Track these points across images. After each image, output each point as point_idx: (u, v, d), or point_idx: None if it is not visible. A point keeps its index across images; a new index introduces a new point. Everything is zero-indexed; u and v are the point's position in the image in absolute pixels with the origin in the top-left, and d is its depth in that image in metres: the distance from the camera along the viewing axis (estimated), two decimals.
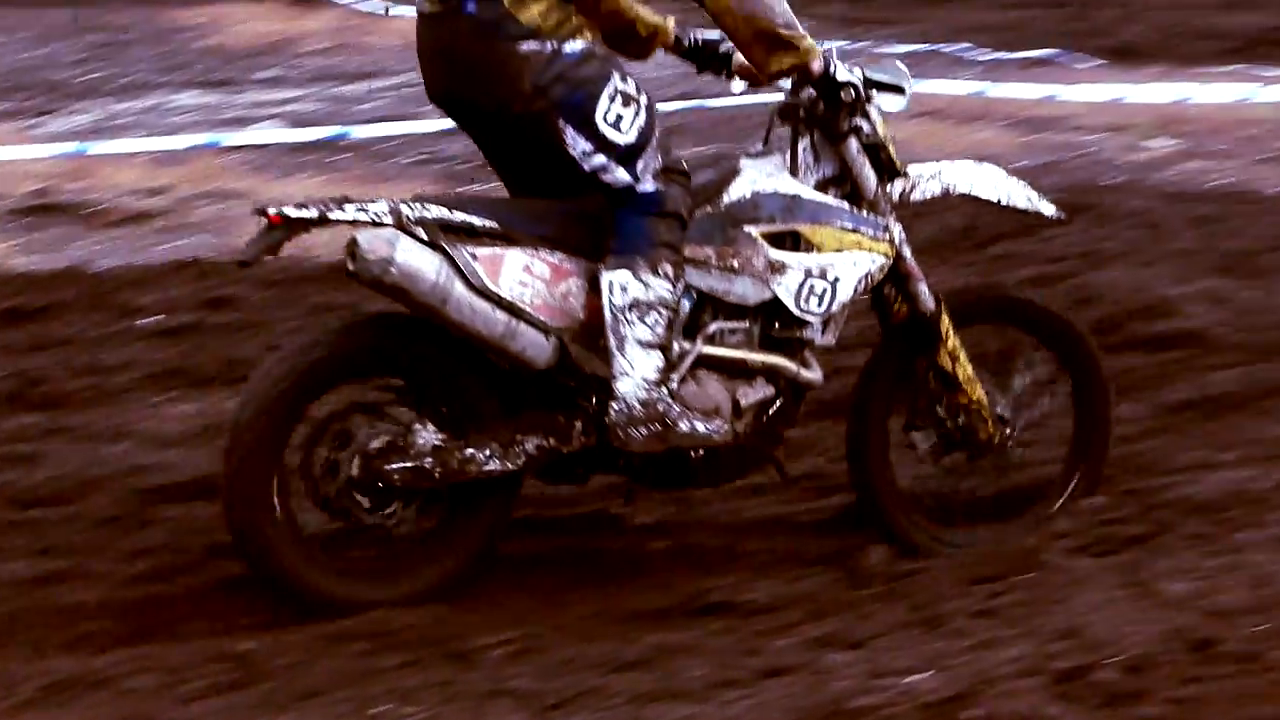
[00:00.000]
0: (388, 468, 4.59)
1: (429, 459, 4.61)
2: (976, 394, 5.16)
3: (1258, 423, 6.07)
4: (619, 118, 4.64)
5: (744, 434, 4.87)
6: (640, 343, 4.64)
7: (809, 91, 4.94)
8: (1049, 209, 5.29)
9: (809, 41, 4.81)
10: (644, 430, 4.69)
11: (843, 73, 4.89)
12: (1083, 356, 5.31)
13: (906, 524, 5.15)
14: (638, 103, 4.68)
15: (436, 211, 4.58)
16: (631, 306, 4.62)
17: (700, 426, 4.78)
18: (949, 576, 4.86)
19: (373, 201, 4.56)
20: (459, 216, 4.60)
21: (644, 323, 4.64)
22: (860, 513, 5.22)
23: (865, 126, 5.01)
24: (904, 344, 5.14)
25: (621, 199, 4.69)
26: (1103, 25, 14.63)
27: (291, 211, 4.49)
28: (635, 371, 4.65)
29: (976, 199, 5.22)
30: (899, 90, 5.03)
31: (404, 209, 4.54)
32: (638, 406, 4.66)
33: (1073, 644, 4.30)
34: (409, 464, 4.60)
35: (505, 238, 4.65)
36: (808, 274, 4.90)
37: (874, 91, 4.98)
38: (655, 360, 4.67)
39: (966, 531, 5.21)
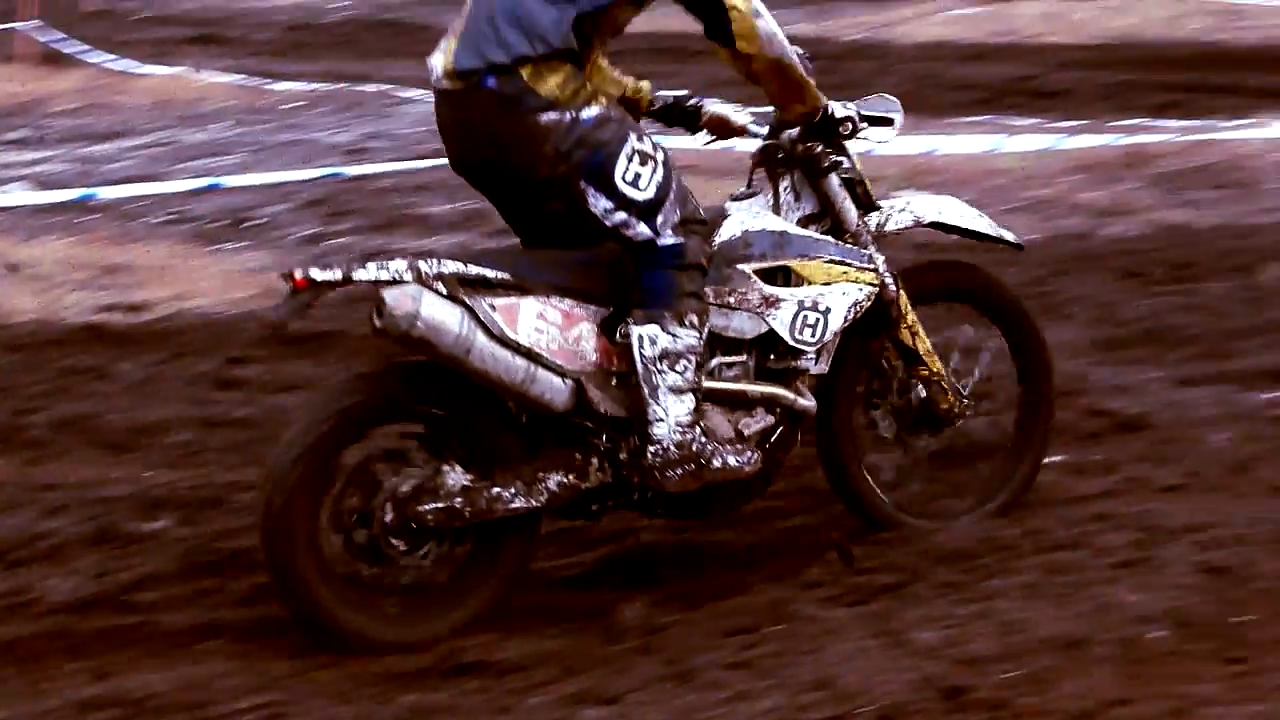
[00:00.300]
0: (420, 509, 4.84)
1: (459, 499, 4.87)
2: (936, 366, 5.54)
3: None
4: (637, 175, 4.93)
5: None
6: (672, 389, 4.95)
7: (790, 133, 5.34)
8: (1010, 236, 5.71)
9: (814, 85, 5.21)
10: (680, 470, 4.99)
11: (840, 109, 5.31)
12: (1027, 329, 5.75)
13: (883, 507, 5.53)
14: (655, 160, 4.98)
15: (453, 266, 4.83)
16: (662, 357, 4.93)
17: (732, 460, 5.09)
18: (703, 629, 4.95)
19: (391, 260, 4.81)
20: (474, 270, 4.86)
21: (674, 370, 4.95)
22: (841, 499, 5.56)
23: (845, 162, 5.40)
24: (864, 329, 5.42)
25: (644, 253, 4.98)
26: (856, 78, 15.00)
27: (317, 274, 4.74)
28: (670, 416, 4.95)
29: (944, 227, 5.60)
30: (889, 122, 5.46)
31: (422, 265, 4.79)
32: (674, 450, 4.97)
33: (825, 695, 4.42)
34: (441, 504, 4.85)
35: (518, 287, 4.92)
36: (800, 306, 5.23)
37: (865, 125, 5.38)
38: (688, 404, 4.98)
39: (943, 511, 5.64)
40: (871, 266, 5.36)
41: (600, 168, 4.91)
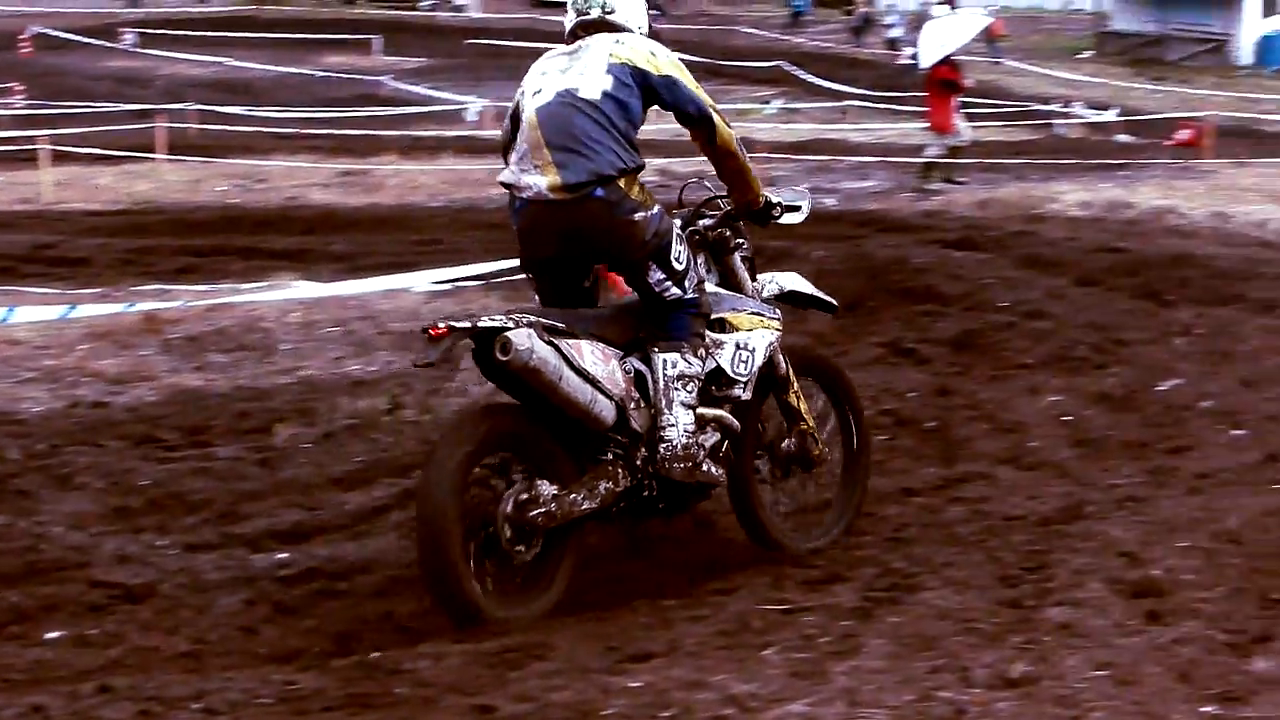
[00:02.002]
0: (531, 513, 6.50)
1: (553, 505, 6.54)
2: (810, 421, 7.53)
3: None
4: (679, 253, 6.92)
5: None
6: (683, 404, 6.89)
7: (705, 221, 7.36)
8: (831, 301, 7.89)
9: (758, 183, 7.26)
10: (682, 465, 6.85)
11: (771, 198, 7.34)
12: (851, 398, 7.79)
13: (780, 535, 7.32)
14: (684, 240, 7.01)
15: (534, 319, 6.54)
16: (678, 378, 6.88)
17: (714, 470, 6.99)
18: None
19: (496, 315, 6.54)
20: (547, 321, 6.57)
21: (685, 390, 6.90)
22: (744, 527, 7.29)
23: (745, 243, 7.45)
24: (759, 392, 7.33)
25: (673, 304, 6.95)
26: None
27: (455, 324, 6.43)
28: (679, 424, 6.87)
29: (796, 295, 7.72)
30: (797, 208, 7.46)
31: (519, 317, 6.52)
32: (680, 449, 6.85)
33: None
34: (542, 509, 6.51)
35: (571, 334, 6.64)
36: (737, 347, 7.19)
37: (781, 210, 7.36)
38: (690, 417, 6.91)
39: (816, 535, 7.43)
40: (776, 317, 7.39)
41: (664, 250, 6.86)
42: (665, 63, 6.92)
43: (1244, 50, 55.26)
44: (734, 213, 7.32)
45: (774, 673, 5.53)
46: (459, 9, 61.84)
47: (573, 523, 6.61)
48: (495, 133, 32.62)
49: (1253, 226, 17.63)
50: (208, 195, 22.24)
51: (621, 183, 6.68)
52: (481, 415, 6.68)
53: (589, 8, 7.08)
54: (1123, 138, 34.67)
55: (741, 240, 7.42)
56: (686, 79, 6.95)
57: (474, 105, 37.69)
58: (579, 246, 6.78)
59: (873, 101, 42.55)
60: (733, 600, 6.46)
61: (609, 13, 7.08)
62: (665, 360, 6.88)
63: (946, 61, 23.58)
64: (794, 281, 7.76)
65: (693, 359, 6.90)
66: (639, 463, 6.81)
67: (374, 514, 8.21)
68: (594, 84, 6.79)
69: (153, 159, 26.20)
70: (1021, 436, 9.00)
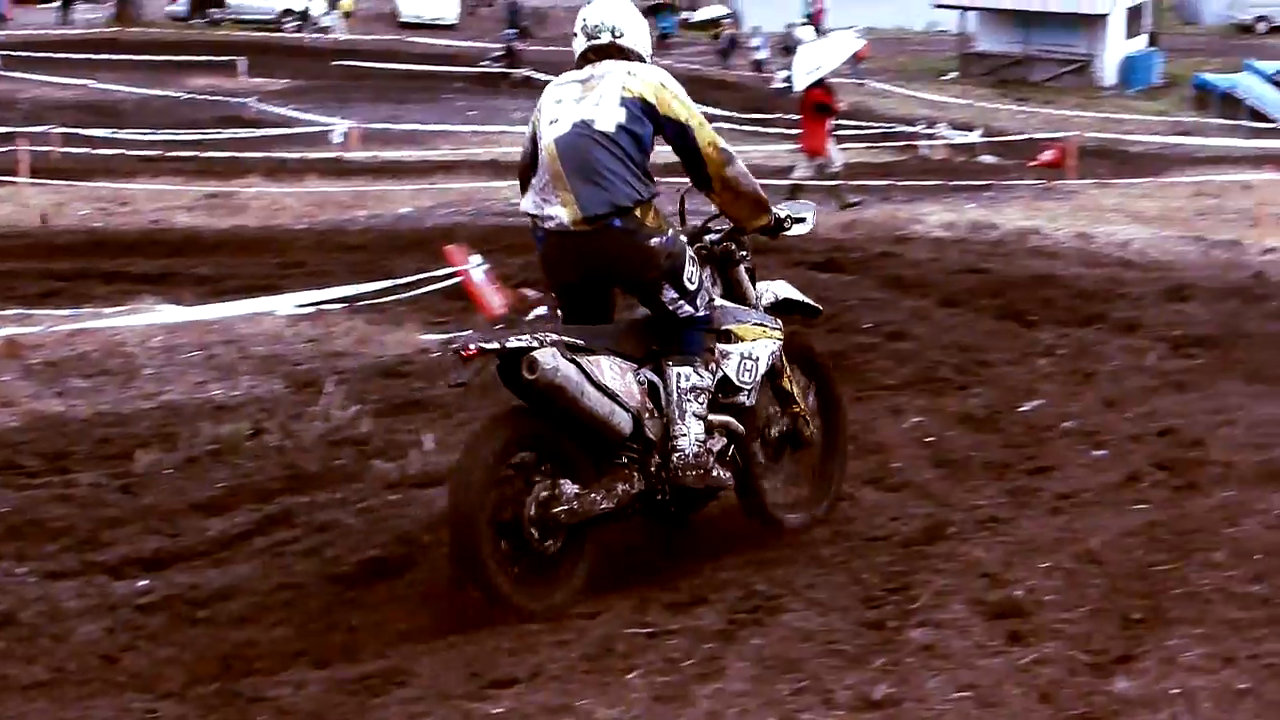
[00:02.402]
0: (555, 510, 6.95)
1: (575, 503, 7.01)
2: (802, 404, 8.06)
3: None
4: (691, 275, 7.38)
5: None
6: (694, 415, 7.36)
7: (711, 236, 7.81)
8: (817, 306, 8.45)
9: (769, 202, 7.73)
10: (694, 473, 7.31)
11: (781, 212, 7.86)
12: (830, 382, 8.37)
13: (780, 516, 7.80)
14: (696, 261, 7.47)
15: (556, 338, 6.97)
16: (690, 390, 7.36)
17: (723, 474, 7.47)
18: None
19: (521, 336, 6.89)
20: (568, 339, 7.02)
21: (696, 401, 7.37)
22: (745, 508, 7.76)
23: (747, 255, 7.93)
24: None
25: (685, 320, 7.41)
26: None
27: (485, 346, 6.84)
28: (690, 434, 7.33)
29: (790, 301, 8.22)
30: (803, 220, 7.99)
31: (543, 337, 6.93)
32: (691, 458, 7.31)
33: None
34: (565, 507, 6.97)
35: (590, 350, 7.10)
36: (742, 357, 7.68)
37: (789, 221, 7.91)
38: (701, 427, 7.38)
39: (807, 510, 7.97)
40: (778, 327, 7.89)
41: (677, 272, 7.32)
42: (672, 98, 7.35)
43: (1107, 71, 56.19)
44: (734, 232, 7.83)
45: (638, 696, 5.55)
46: (324, 30, 61.49)
47: (592, 520, 7.08)
48: (360, 154, 32.77)
49: (1115, 246, 17.90)
50: (71, 219, 21.97)
51: (637, 212, 7.19)
52: (508, 418, 7.04)
53: (599, 32, 7.47)
54: (987, 158, 35.14)
55: (745, 253, 7.96)
56: (695, 121, 7.39)
57: (339, 127, 37.54)
58: (599, 272, 7.32)
59: (739, 123, 42.76)
60: (597, 624, 6.47)
61: (618, 37, 7.48)
62: (679, 374, 7.40)
63: (820, 84, 23.80)
64: (785, 290, 8.34)
65: (704, 372, 7.46)
66: (653, 469, 7.30)
67: (236, 540, 8.15)
68: (609, 116, 7.23)
69: (15, 183, 25.85)
70: (885, 457, 9.07)
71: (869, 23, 62.01)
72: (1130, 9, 58.17)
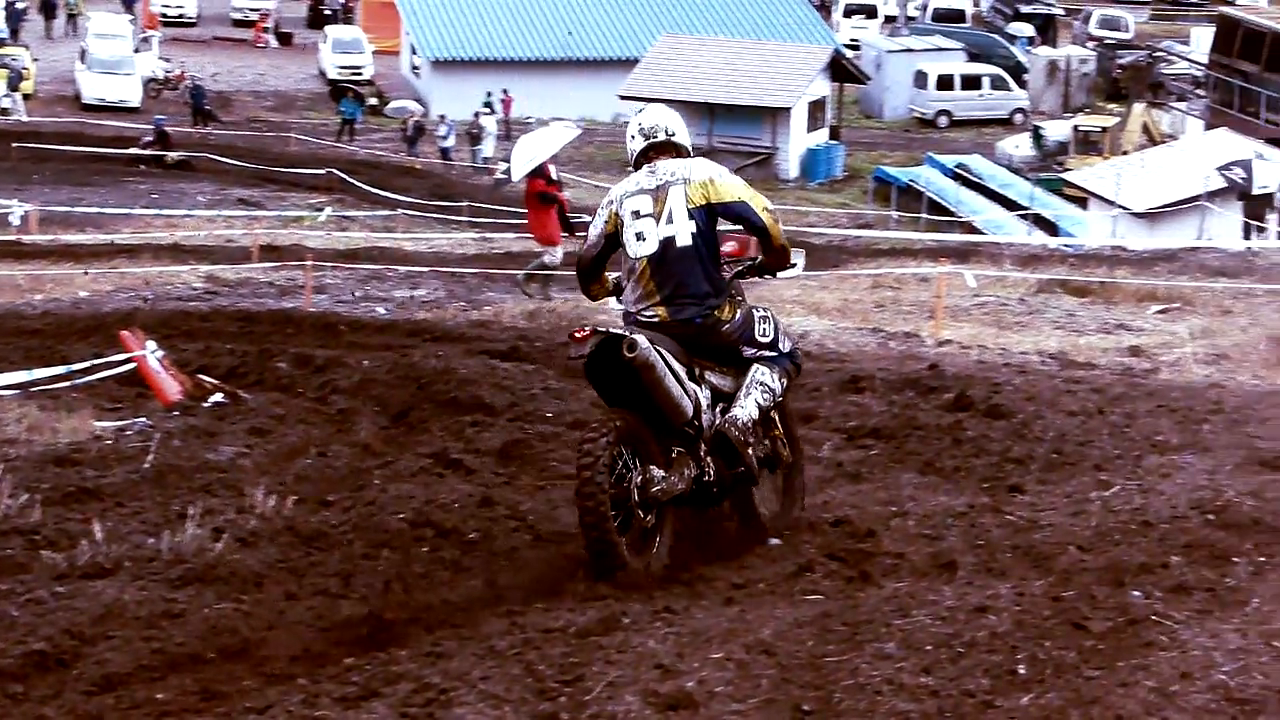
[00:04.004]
0: (653, 490, 8.60)
1: (664, 484, 8.65)
2: (780, 429, 9.44)
3: None
4: (764, 330, 9.24)
5: None
6: (756, 403, 9.05)
7: (729, 271, 9.38)
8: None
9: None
10: (737, 433, 8.88)
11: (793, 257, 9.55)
12: (787, 411, 9.65)
13: (760, 513, 9.27)
14: (769, 317, 9.36)
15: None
16: (760, 384, 9.09)
17: (755, 463, 9.10)
18: None
19: (617, 327, 8.76)
20: (649, 334, 8.72)
21: (761, 395, 9.09)
22: (738, 513, 9.24)
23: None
24: None
25: (771, 358, 9.20)
26: None
27: (600, 329, 8.60)
28: (747, 410, 9.01)
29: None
30: (795, 264, 9.62)
31: (630, 329, 8.78)
32: (743, 425, 8.95)
33: None
34: (658, 487, 8.62)
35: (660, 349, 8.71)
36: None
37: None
38: (757, 413, 9.06)
39: (780, 519, 9.42)
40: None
41: (750, 336, 9.17)
42: (724, 188, 9.09)
43: (790, 164, 57.52)
44: (757, 267, 9.48)
45: None
46: (4, 112, 59.91)
47: (673, 499, 8.73)
48: (39, 237, 31.89)
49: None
50: None
51: (715, 311, 9.02)
52: (611, 419, 8.54)
53: (656, 133, 9.23)
54: None
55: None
56: (746, 194, 9.15)
57: (18, 210, 36.60)
58: (687, 344, 8.94)
59: (426, 210, 42.81)
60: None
61: (671, 135, 9.26)
62: (759, 369, 9.14)
63: (541, 175, 23.96)
64: (772, 310, 9.89)
65: (778, 381, 9.17)
66: (702, 452, 8.86)
67: None
68: (684, 229, 8.97)
69: None
70: (563, 547, 9.09)
71: (555, 113, 62.72)
72: (812, 103, 59.75)
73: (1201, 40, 65.89)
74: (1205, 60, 58.88)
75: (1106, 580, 8.08)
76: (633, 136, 9.27)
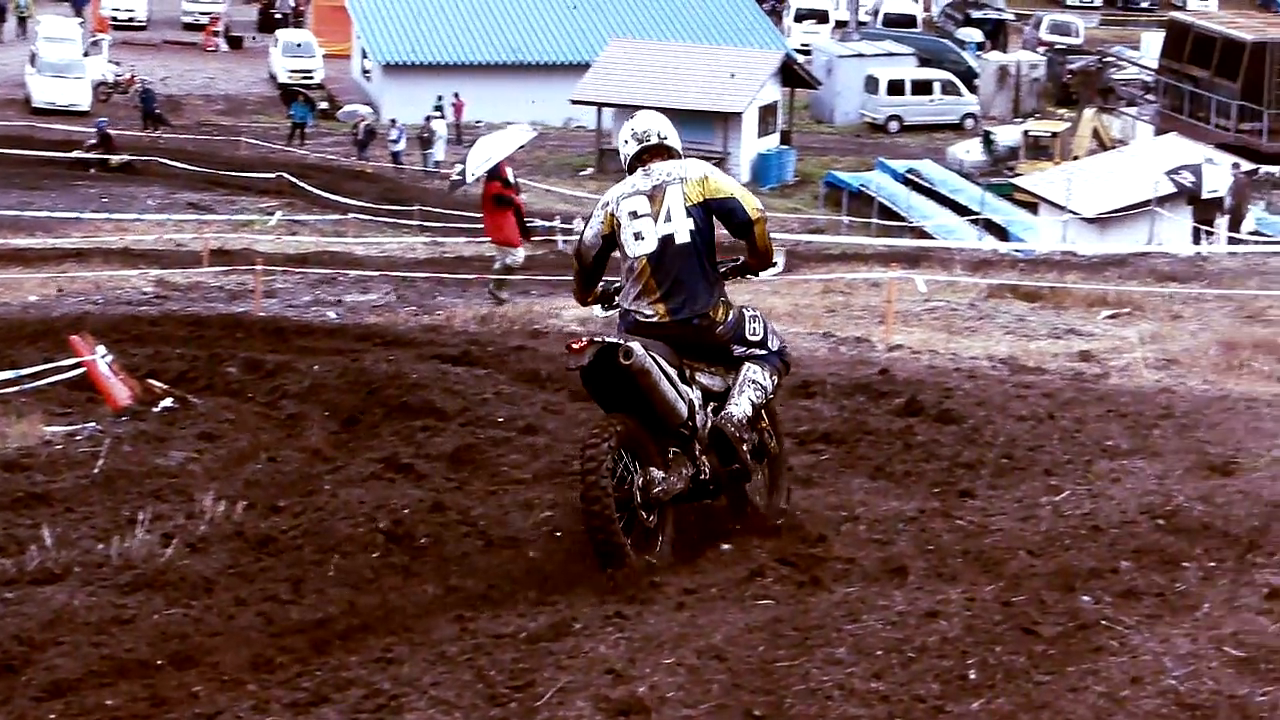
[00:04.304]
0: (655, 491, 8.93)
1: (665, 485, 8.98)
2: (767, 421, 9.73)
3: None
4: (754, 330, 9.47)
5: None
6: (749, 398, 9.31)
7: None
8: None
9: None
10: (732, 429, 9.11)
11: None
12: (772, 413, 9.88)
13: (752, 499, 9.59)
14: (759, 316, 9.60)
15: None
16: (753, 382, 9.35)
17: (750, 459, 9.35)
18: None
19: (612, 336, 8.97)
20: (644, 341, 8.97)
21: (754, 392, 9.35)
22: (731, 502, 9.54)
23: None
24: None
25: (762, 356, 9.46)
26: None
27: (595, 338, 8.90)
28: (741, 406, 9.25)
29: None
30: (777, 264, 9.91)
31: (625, 337, 8.96)
32: (737, 420, 9.18)
33: None
34: (659, 488, 8.94)
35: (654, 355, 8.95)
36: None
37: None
38: (751, 410, 9.32)
39: (769, 506, 9.72)
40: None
41: (741, 335, 9.41)
42: (718, 183, 9.39)
43: (742, 168, 57.58)
44: (739, 267, 9.66)
45: None
46: None
47: (673, 498, 9.08)
48: None
49: None
50: None
51: (710, 311, 9.25)
52: (611, 424, 8.81)
53: (649, 137, 9.55)
54: None
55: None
56: (739, 192, 9.44)
57: None
58: (679, 345, 9.19)
59: (376, 214, 42.74)
60: None
61: (664, 139, 9.58)
62: (751, 367, 9.41)
63: (498, 177, 23.99)
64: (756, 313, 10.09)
65: (767, 378, 9.44)
66: (697, 451, 9.19)
67: None
68: (683, 227, 9.23)
69: None
70: (515, 552, 9.10)
71: (507, 118, 62.72)
72: (763, 108, 59.86)
73: (1152, 45, 66.19)
74: (1155, 65, 59.13)
75: (1057, 585, 8.12)
76: (626, 141, 9.57)
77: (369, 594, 8.33)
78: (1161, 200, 43.60)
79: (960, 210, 50.95)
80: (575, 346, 8.88)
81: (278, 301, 24.28)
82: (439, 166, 56.56)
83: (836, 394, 13.86)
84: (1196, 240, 40.99)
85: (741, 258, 9.66)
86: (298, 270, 27.52)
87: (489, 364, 15.13)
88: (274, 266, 26.67)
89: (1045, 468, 11.16)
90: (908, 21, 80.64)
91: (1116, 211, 44.78)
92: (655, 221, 9.25)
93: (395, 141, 57.77)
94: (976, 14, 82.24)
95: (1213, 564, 8.49)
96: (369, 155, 57.87)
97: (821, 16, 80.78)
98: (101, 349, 13.52)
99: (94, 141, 52.01)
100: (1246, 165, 44.95)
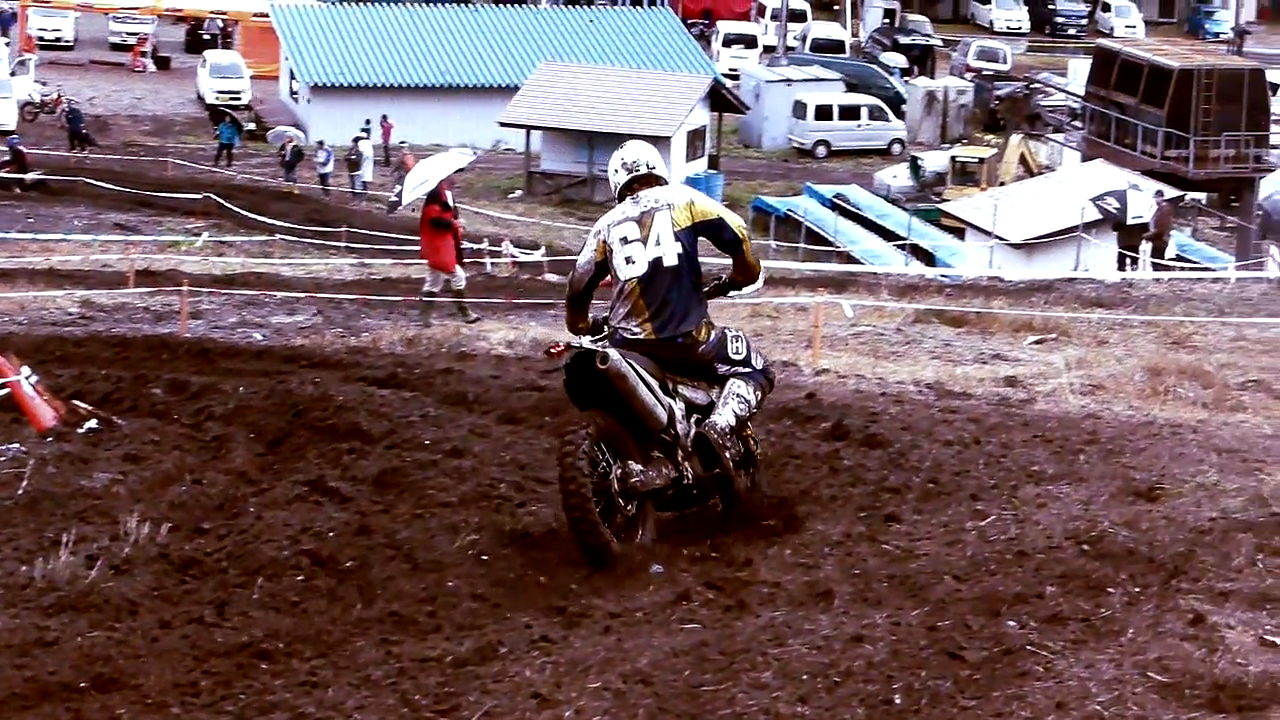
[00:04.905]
0: (632, 481, 9.45)
1: (642, 477, 9.49)
2: (750, 430, 10.21)
3: None
4: (736, 349, 10.01)
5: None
6: (732, 411, 9.85)
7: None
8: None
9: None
10: (716, 436, 9.66)
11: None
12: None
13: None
14: (741, 338, 10.11)
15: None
16: (737, 395, 9.88)
17: (733, 465, 9.84)
18: None
19: (586, 338, 9.67)
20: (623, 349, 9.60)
21: (738, 405, 9.89)
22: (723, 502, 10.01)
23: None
24: None
25: (746, 374, 9.99)
26: None
27: (574, 342, 9.54)
28: (725, 417, 9.81)
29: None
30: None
31: (605, 344, 9.56)
32: (722, 429, 9.74)
33: None
34: (637, 479, 9.46)
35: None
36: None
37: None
38: (735, 421, 9.87)
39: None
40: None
41: (724, 354, 9.94)
42: (704, 206, 10.01)
43: None
44: (724, 285, 10.25)
45: None
46: None
47: (651, 492, 9.53)
48: None
49: None
50: None
51: (694, 331, 9.82)
52: (589, 419, 9.32)
53: (638, 166, 10.04)
54: (551, 277, 35.61)
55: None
56: (724, 213, 10.07)
57: None
58: (663, 362, 9.76)
59: (302, 235, 42.58)
60: None
61: (652, 168, 10.08)
62: (735, 382, 9.93)
63: (437, 200, 24.01)
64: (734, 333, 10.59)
65: (752, 392, 9.95)
66: (680, 457, 9.65)
67: None
68: (671, 251, 9.78)
69: None
70: (441, 576, 9.07)
71: (436, 139, 62.66)
72: (691, 132, 60.03)
73: (1079, 72, 66.75)
74: (1082, 92, 59.60)
75: (982, 610, 8.16)
76: (616, 171, 10.09)
77: (293, 617, 8.29)
78: (1088, 226, 43.93)
79: (887, 235, 51.26)
80: (554, 351, 9.58)
81: (204, 323, 24.15)
82: (366, 188, 56.44)
83: (763, 417, 13.85)
84: (1122, 266, 41.32)
85: (725, 276, 10.26)
86: (224, 291, 27.38)
87: (416, 386, 15.07)
88: (200, 288, 26.52)
89: (971, 493, 11.20)
90: (835, 47, 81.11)
91: (1043, 237, 45.11)
92: (645, 246, 9.79)
93: (323, 163, 57.59)
94: (904, 40, 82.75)
95: (1137, 589, 8.54)
96: (296, 176, 57.68)
97: (749, 42, 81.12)
98: (26, 370, 13.39)
99: (6, 159, 51.60)
100: (1171, 192, 45.39)
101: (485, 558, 9.44)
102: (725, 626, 7.96)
